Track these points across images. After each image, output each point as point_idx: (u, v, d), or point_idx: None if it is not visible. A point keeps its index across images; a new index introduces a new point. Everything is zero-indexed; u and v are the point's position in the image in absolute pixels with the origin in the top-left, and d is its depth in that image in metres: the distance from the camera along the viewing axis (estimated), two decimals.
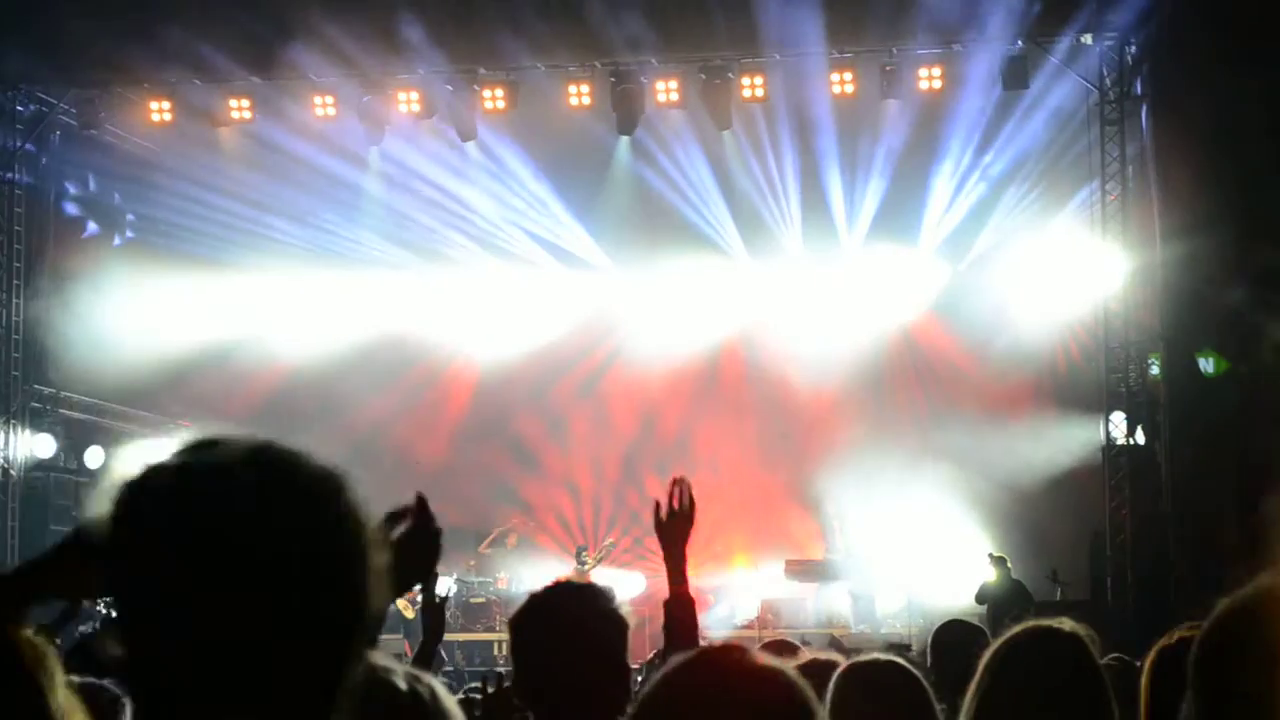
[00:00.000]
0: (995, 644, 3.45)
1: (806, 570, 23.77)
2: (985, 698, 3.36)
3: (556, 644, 3.65)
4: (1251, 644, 2.48)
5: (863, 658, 4.45)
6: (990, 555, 20.73)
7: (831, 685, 4.08)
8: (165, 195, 23.34)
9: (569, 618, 3.71)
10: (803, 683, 2.21)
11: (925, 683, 4.27)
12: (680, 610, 4.41)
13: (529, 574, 22.40)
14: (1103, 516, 20.63)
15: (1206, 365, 20.32)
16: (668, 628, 4.40)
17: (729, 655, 2.26)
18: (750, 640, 19.99)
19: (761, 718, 2.16)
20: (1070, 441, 23.28)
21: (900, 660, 4.35)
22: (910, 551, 23.54)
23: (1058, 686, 3.31)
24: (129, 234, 24.33)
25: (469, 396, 26.47)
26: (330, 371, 24.89)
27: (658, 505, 4.53)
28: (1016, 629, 3.50)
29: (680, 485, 4.54)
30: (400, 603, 23.78)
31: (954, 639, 6.30)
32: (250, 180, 22.97)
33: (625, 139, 22.63)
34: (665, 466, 25.65)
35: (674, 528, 4.53)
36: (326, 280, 25.25)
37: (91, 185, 23.59)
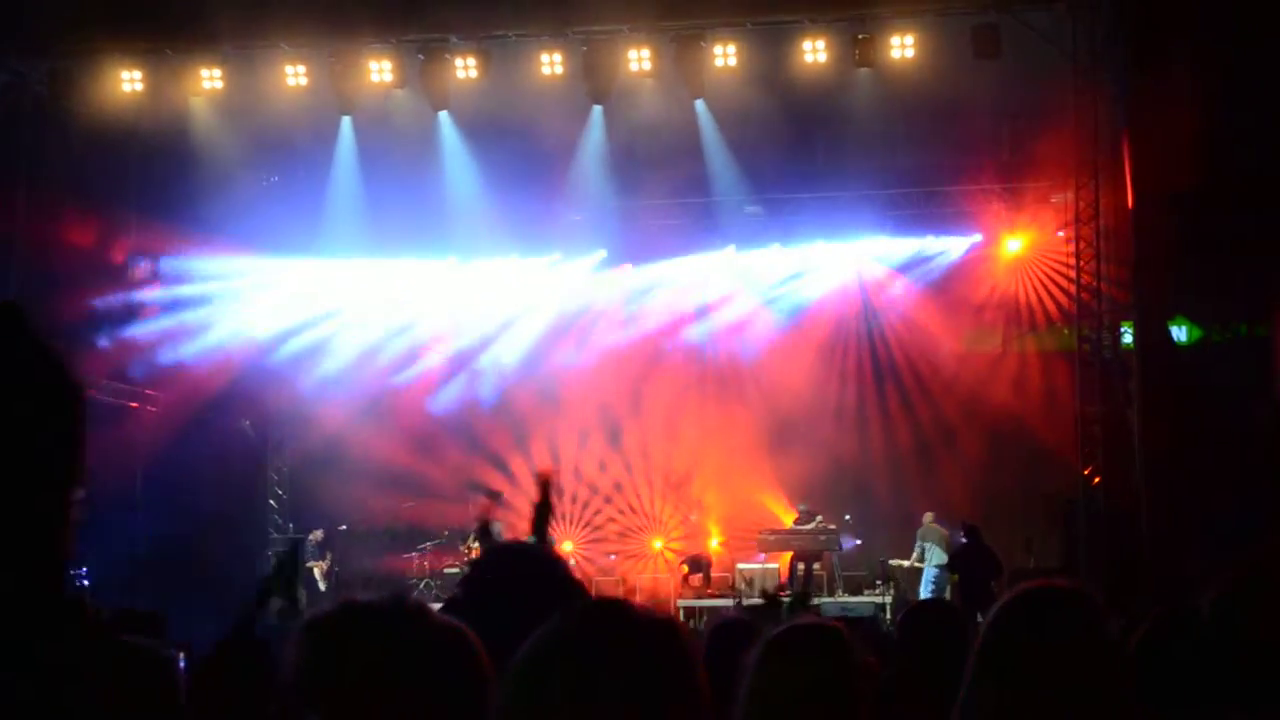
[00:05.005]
0: (997, 604, 3.41)
1: (779, 541, 23.90)
2: (989, 656, 3.31)
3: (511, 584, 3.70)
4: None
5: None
6: (963, 524, 20.86)
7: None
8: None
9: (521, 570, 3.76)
10: (683, 633, 2.35)
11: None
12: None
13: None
14: (1076, 486, 20.66)
15: (1179, 333, 20.41)
16: None
17: (612, 607, 2.39)
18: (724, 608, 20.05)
19: (643, 665, 2.27)
20: (1045, 410, 23.44)
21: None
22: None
23: (1060, 639, 3.26)
24: None
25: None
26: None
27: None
28: (1017, 589, 3.44)
29: (542, 481, 5.54)
30: (316, 573, 24.00)
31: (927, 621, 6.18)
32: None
33: (599, 108, 22.55)
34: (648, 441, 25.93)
35: (537, 519, 5.50)
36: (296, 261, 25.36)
37: None
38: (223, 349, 24.55)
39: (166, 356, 23.78)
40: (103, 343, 22.73)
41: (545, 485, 5.51)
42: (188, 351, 24.05)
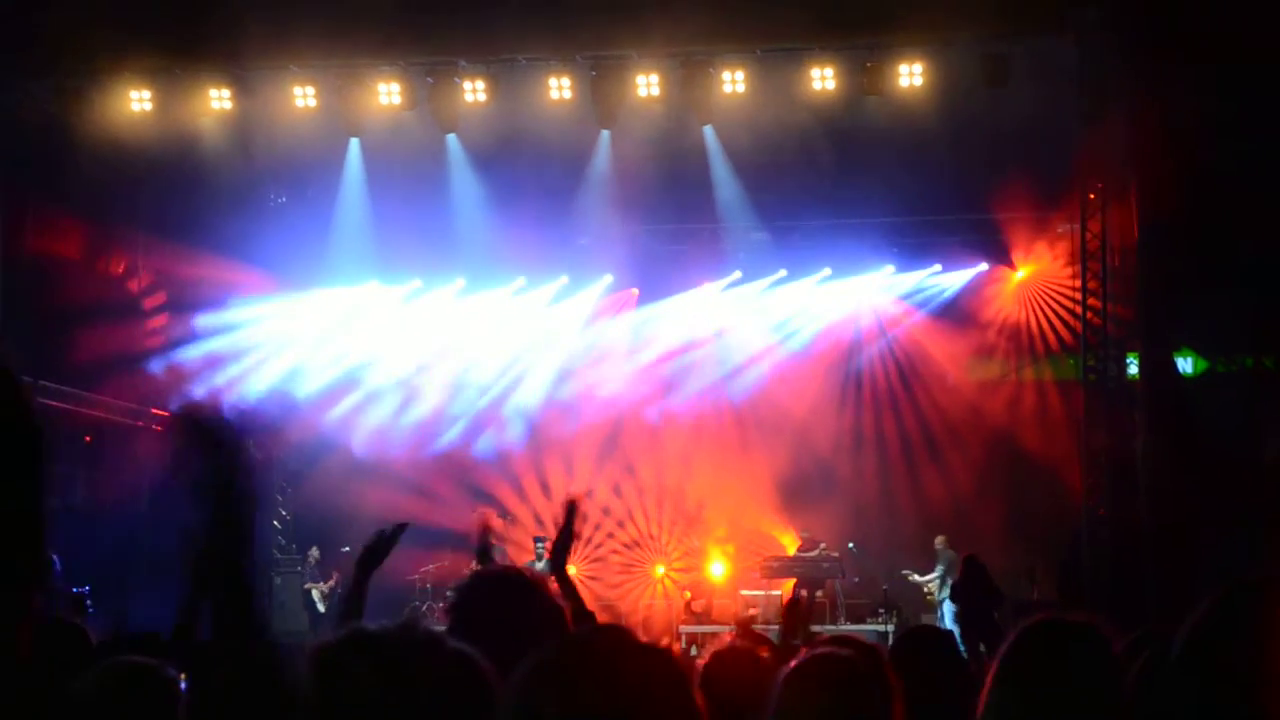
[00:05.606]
0: (1010, 637, 3.42)
1: (782, 567, 23.83)
2: (1003, 689, 3.31)
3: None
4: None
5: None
6: (964, 556, 20.81)
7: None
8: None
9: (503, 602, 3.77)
10: (679, 661, 2.34)
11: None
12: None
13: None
14: (1080, 516, 20.59)
15: (1185, 364, 20.38)
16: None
17: (612, 633, 2.39)
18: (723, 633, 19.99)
19: (642, 691, 2.26)
20: (1048, 440, 23.40)
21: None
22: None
23: (1074, 674, 3.27)
24: None
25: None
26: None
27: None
28: (1030, 621, 3.46)
29: (570, 507, 5.34)
30: (315, 594, 23.95)
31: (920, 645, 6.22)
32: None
33: (607, 132, 22.56)
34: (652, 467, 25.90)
35: (559, 544, 5.30)
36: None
37: None
38: (226, 371, 24.57)
39: (168, 378, 23.81)
40: (112, 366, 22.75)
41: (571, 511, 5.39)
42: (186, 370, 24.09)
